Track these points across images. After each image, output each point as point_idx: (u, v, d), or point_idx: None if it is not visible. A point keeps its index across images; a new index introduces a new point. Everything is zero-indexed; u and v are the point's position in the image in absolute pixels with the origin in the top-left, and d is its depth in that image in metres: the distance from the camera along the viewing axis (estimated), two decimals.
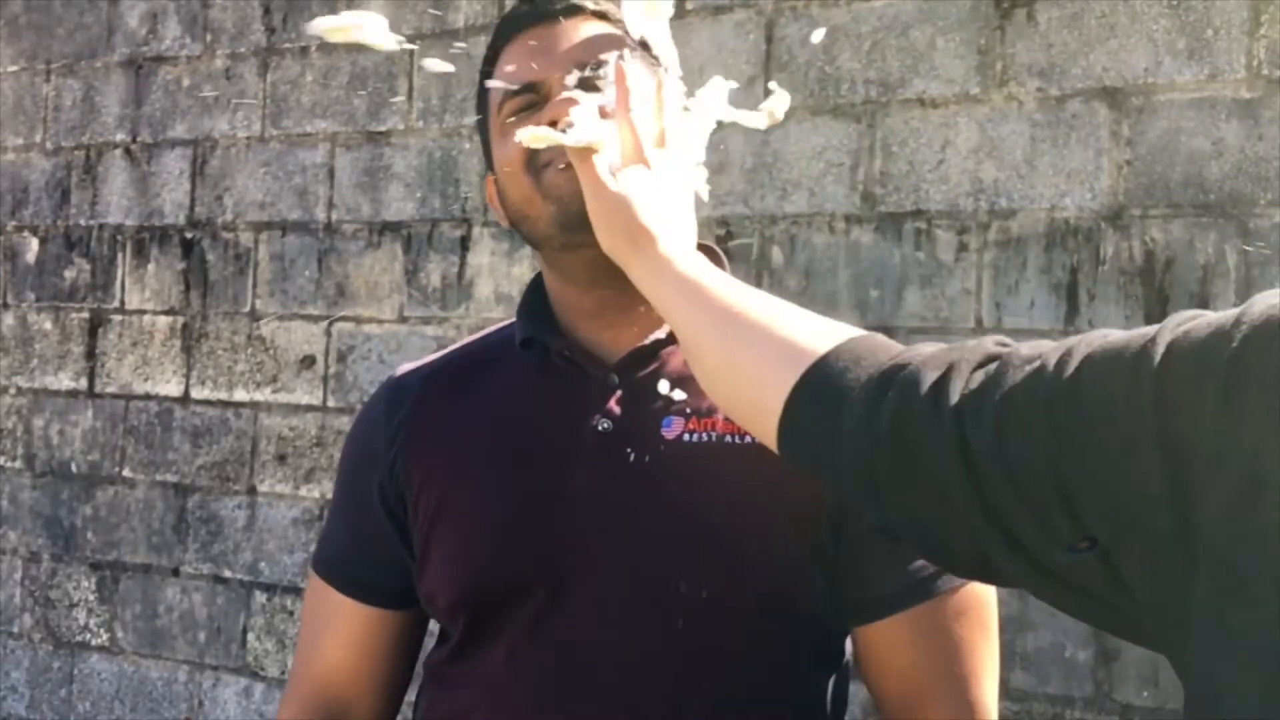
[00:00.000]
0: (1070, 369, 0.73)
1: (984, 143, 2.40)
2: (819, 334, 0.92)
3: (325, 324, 3.11)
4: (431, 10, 2.98)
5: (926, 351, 0.83)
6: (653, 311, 1.14)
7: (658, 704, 1.14)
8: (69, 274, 3.51)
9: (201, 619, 3.23)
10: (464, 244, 2.88)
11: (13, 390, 3.59)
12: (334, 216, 3.10)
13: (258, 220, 3.22)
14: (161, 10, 3.39)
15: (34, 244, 3.58)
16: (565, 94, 1.16)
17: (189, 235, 3.32)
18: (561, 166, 1.15)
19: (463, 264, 2.89)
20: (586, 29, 1.23)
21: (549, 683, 1.16)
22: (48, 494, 3.50)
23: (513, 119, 1.19)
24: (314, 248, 3.13)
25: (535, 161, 1.17)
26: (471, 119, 2.89)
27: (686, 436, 1.17)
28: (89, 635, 3.43)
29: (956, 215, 2.42)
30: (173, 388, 3.32)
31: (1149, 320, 2.27)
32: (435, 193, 2.92)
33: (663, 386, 1.19)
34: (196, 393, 3.28)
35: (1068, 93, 2.34)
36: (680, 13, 2.65)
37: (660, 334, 1.22)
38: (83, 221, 3.49)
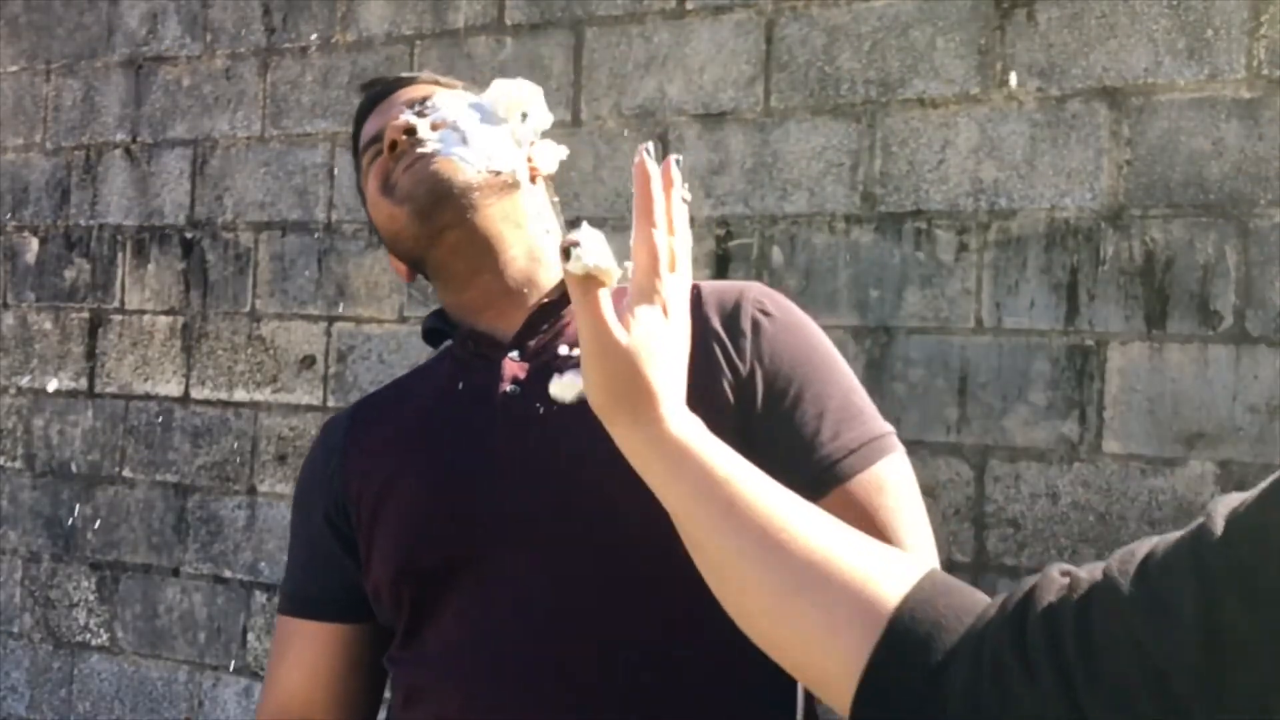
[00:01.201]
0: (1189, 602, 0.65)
1: (984, 143, 2.40)
2: (872, 570, 0.80)
3: (325, 324, 3.11)
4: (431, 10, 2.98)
5: (1010, 604, 0.75)
6: (534, 287, 1.29)
7: (591, 648, 1.16)
8: (69, 274, 3.51)
9: (201, 619, 3.23)
10: None
11: (13, 390, 3.59)
12: (334, 216, 3.10)
13: (258, 220, 3.22)
14: (161, 10, 3.39)
15: (34, 244, 3.58)
16: (398, 121, 1.31)
17: (189, 235, 3.32)
18: (406, 166, 1.29)
19: None
20: (411, 87, 1.40)
21: (490, 641, 1.18)
22: (48, 494, 3.50)
23: (369, 165, 1.35)
24: (314, 248, 3.13)
25: (389, 182, 1.30)
26: None
27: None
28: (89, 635, 3.43)
29: (956, 215, 2.42)
30: (173, 388, 3.32)
31: (1149, 320, 2.27)
32: None
33: (562, 350, 1.26)
34: (196, 393, 3.28)
35: (1068, 93, 2.34)
36: (680, 13, 2.65)
37: (546, 299, 1.30)
38: (83, 221, 3.49)
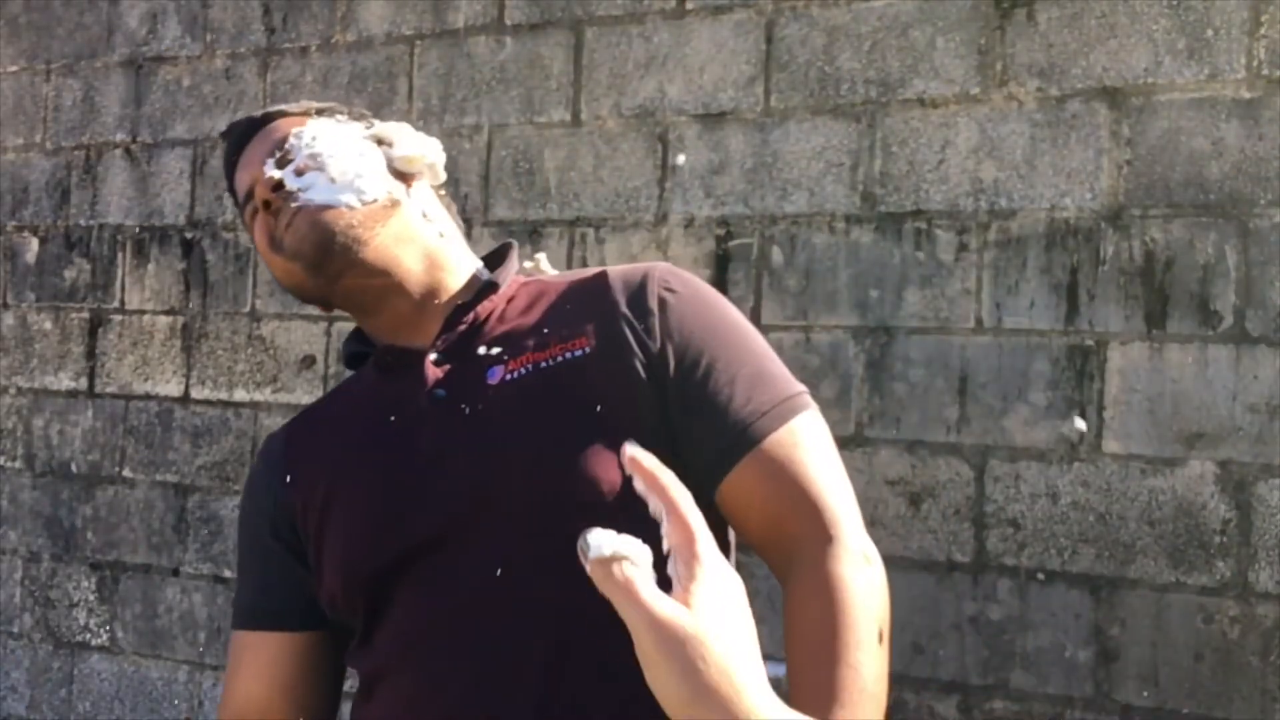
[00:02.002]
0: None
1: (984, 143, 2.40)
2: None
3: (325, 324, 3.11)
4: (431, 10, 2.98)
5: None
6: (442, 292, 1.33)
7: (545, 624, 1.20)
8: (69, 274, 3.51)
9: (201, 619, 3.23)
10: None
11: (13, 390, 3.59)
12: None
13: None
14: (161, 10, 3.39)
15: (34, 244, 3.58)
16: (264, 178, 1.33)
17: (189, 235, 3.32)
18: (286, 224, 1.31)
19: None
20: (267, 132, 1.39)
21: (444, 627, 1.23)
22: (48, 494, 3.50)
23: (251, 221, 1.37)
24: None
25: (274, 239, 1.33)
26: (471, 119, 2.89)
27: (508, 377, 1.27)
28: (89, 635, 3.43)
29: (956, 215, 2.42)
30: (173, 388, 3.32)
31: (1149, 320, 2.27)
32: None
33: (480, 350, 1.30)
34: (196, 393, 3.28)
35: (1068, 93, 2.34)
36: (680, 13, 2.66)
37: (459, 300, 1.34)
38: (83, 221, 3.49)
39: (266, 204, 1.33)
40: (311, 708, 1.38)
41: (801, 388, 1.28)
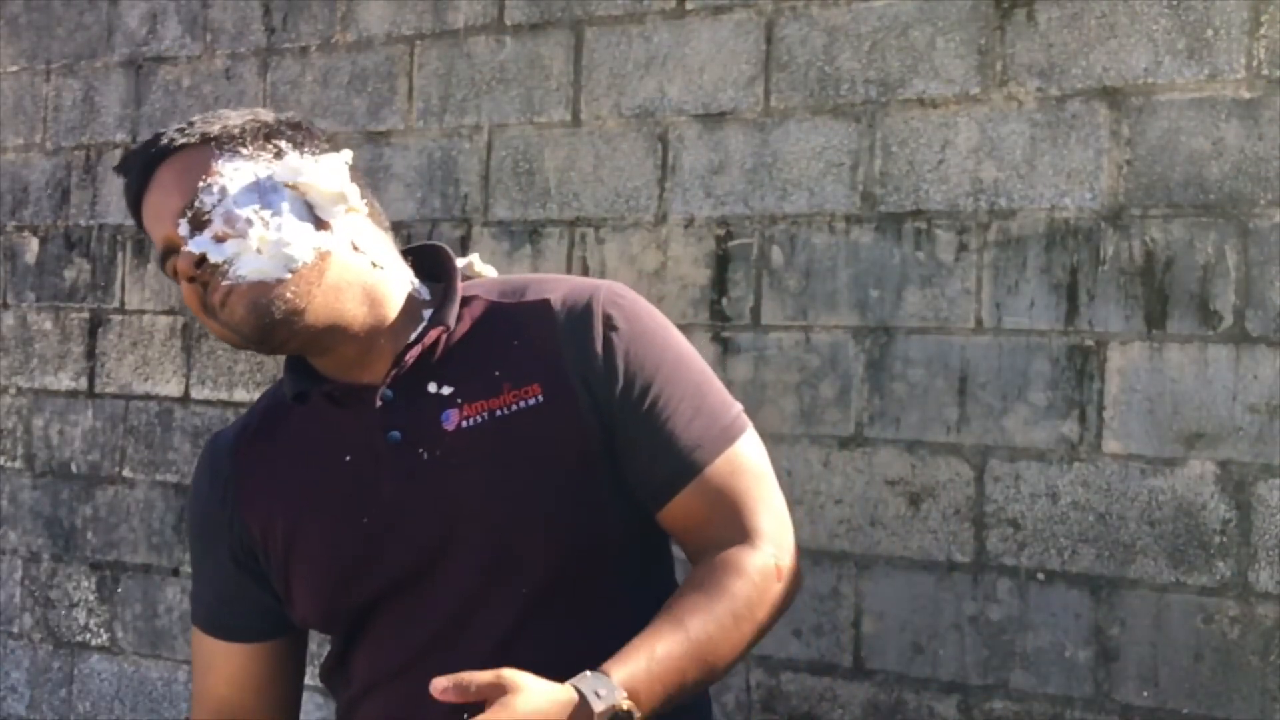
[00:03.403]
0: None
1: (984, 143, 2.40)
2: None
3: None
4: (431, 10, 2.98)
5: None
6: (385, 328, 1.33)
7: (520, 646, 1.29)
8: (69, 274, 3.51)
9: None
10: (464, 244, 2.88)
11: (13, 390, 3.59)
12: None
13: None
14: (161, 10, 3.40)
15: (34, 244, 3.58)
16: (184, 251, 1.30)
17: None
18: (219, 301, 1.29)
19: None
20: (170, 174, 1.33)
21: (417, 665, 1.30)
22: (48, 494, 3.50)
23: (172, 275, 1.35)
24: None
25: (206, 305, 1.31)
26: (471, 119, 2.89)
27: (464, 424, 1.31)
28: (89, 635, 3.43)
29: (956, 215, 2.42)
30: (173, 388, 3.32)
31: (1149, 320, 2.27)
32: (435, 193, 2.92)
33: (431, 387, 1.33)
34: (196, 393, 3.28)
35: (1068, 93, 2.34)
36: (680, 13, 2.66)
37: (404, 335, 1.35)
38: (83, 221, 3.49)
39: (191, 279, 1.30)
40: (281, 699, 1.48)
41: (738, 408, 1.38)
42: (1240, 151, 2.21)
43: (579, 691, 1.15)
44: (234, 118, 1.36)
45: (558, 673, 1.19)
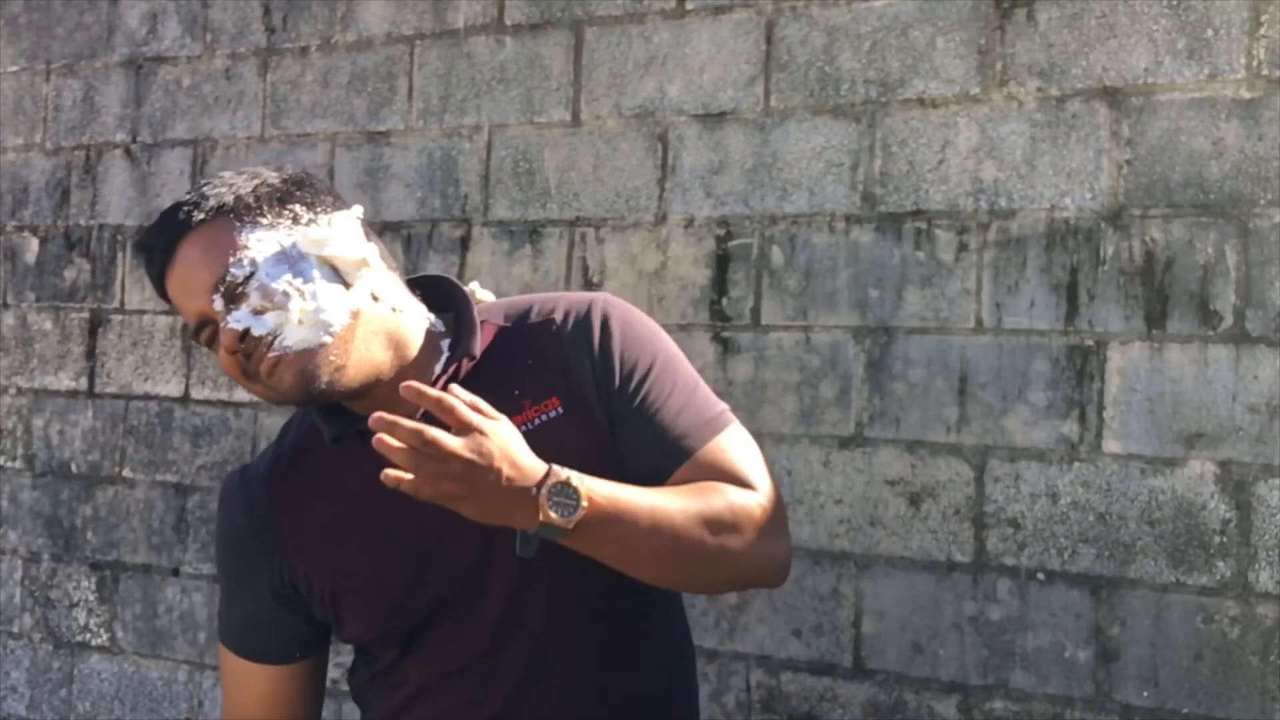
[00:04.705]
0: None
1: (984, 143, 2.41)
2: None
3: None
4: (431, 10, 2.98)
5: None
6: (412, 365, 1.43)
7: (559, 641, 1.44)
8: (69, 274, 3.51)
9: (201, 619, 3.23)
10: (464, 244, 2.88)
11: (13, 390, 3.59)
12: None
13: None
14: (161, 10, 3.40)
15: (34, 244, 3.58)
16: (224, 327, 1.36)
17: None
18: (267, 371, 1.37)
19: (463, 264, 2.89)
20: (195, 250, 1.41)
21: (471, 667, 1.45)
22: (48, 494, 3.51)
23: (210, 347, 1.42)
24: None
25: (248, 371, 1.39)
26: (471, 119, 2.89)
27: None
28: (89, 635, 3.43)
29: (956, 215, 2.42)
30: (173, 388, 3.32)
31: (1149, 320, 2.27)
32: (435, 193, 2.92)
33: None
34: (197, 393, 3.28)
35: (1068, 93, 2.34)
36: (680, 13, 2.66)
37: (433, 371, 1.46)
38: (83, 221, 3.49)
39: (233, 350, 1.38)
40: (308, 712, 1.58)
41: (724, 406, 1.50)
42: (1240, 151, 2.21)
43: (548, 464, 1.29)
44: (242, 184, 1.43)
45: (592, 667, 1.36)
